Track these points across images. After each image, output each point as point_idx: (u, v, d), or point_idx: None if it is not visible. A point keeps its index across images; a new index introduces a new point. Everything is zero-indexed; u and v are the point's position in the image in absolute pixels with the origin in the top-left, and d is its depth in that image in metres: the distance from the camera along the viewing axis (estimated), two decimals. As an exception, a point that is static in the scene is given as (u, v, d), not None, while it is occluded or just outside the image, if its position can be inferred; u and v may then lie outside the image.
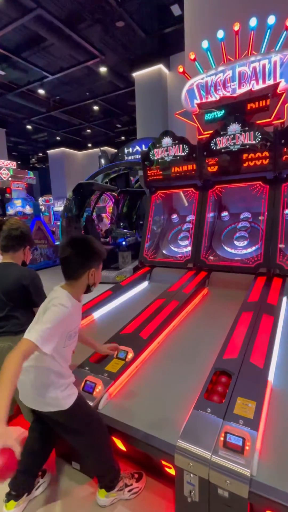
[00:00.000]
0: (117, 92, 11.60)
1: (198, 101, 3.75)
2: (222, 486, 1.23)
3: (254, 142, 2.90)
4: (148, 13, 7.47)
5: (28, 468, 1.59)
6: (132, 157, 9.61)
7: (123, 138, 17.08)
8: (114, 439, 1.70)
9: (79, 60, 9.27)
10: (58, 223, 8.43)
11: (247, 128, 2.92)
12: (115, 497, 1.58)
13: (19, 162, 17.41)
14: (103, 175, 9.54)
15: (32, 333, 1.22)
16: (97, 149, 14.50)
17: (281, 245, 2.87)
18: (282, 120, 3.22)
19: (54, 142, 17.68)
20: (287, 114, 3.23)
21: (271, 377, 1.71)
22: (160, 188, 3.80)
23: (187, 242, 3.63)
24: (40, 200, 16.01)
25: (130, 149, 9.80)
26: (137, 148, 9.53)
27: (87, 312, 2.70)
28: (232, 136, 3.00)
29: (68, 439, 1.54)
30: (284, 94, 3.18)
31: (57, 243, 8.59)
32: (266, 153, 2.87)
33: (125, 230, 8.54)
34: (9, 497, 1.56)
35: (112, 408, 1.70)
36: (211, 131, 3.23)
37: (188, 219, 3.87)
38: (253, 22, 3.32)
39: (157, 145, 3.53)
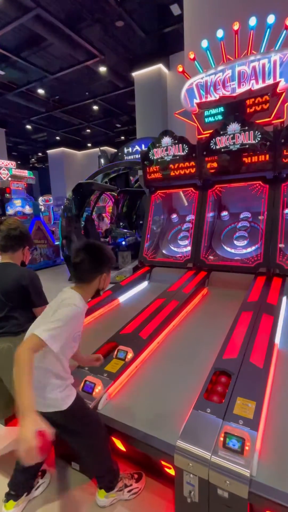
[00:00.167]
0: (117, 92, 11.60)
1: (198, 101, 3.74)
2: (221, 487, 1.23)
3: (253, 141, 2.90)
4: (148, 12, 7.47)
5: (26, 468, 1.59)
6: (132, 156, 9.62)
7: (122, 137, 17.09)
8: (114, 439, 1.70)
9: (79, 60, 9.26)
10: (58, 223, 8.42)
11: (246, 128, 2.92)
12: (114, 498, 1.58)
13: (18, 162, 17.40)
14: (103, 175, 9.55)
15: (42, 330, 1.22)
16: (97, 149, 14.49)
17: (281, 245, 2.87)
18: (281, 120, 3.22)
19: (54, 142, 17.68)
20: (286, 113, 3.23)
21: (271, 377, 1.70)
22: (159, 188, 3.80)
23: (186, 242, 3.63)
24: (40, 200, 16.01)
25: (130, 149, 9.80)
26: (137, 147, 9.53)
27: (87, 312, 2.70)
28: (232, 135, 3.00)
29: (67, 440, 1.54)
30: (283, 94, 3.18)
31: (56, 243, 8.59)
32: (265, 153, 2.87)
33: (125, 230, 8.54)
34: (8, 497, 1.56)
35: (111, 408, 1.70)
36: (211, 131, 3.23)
37: (187, 218, 3.86)
38: (252, 21, 3.32)
39: (157, 145, 3.53)
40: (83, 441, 1.48)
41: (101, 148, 12.81)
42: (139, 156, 3.82)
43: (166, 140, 3.45)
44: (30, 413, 1.07)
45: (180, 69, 3.91)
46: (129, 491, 1.60)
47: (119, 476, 1.61)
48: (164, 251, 3.76)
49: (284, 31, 3.19)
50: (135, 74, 9.66)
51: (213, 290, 3.09)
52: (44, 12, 6.98)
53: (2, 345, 1.76)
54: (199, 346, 2.18)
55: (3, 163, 11.09)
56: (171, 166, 3.48)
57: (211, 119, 3.68)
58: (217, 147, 3.12)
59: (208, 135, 3.28)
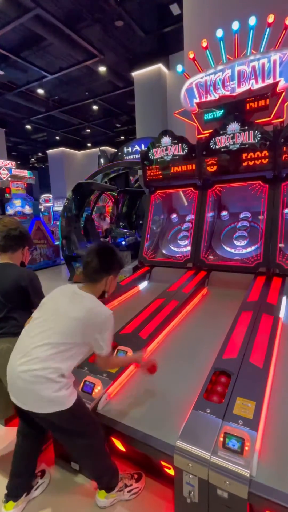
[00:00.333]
0: (117, 92, 11.59)
1: (198, 100, 3.74)
2: (221, 487, 1.23)
3: (253, 141, 2.90)
4: (148, 12, 7.46)
5: (22, 471, 1.58)
6: (132, 156, 9.60)
7: (122, 137, 17.07)
8: (114, 439, 1.70)
9: (78, 59, 9.25)
10: (58, 223, 8.42)
11: (246, 128, 2.92)
12: (114, 498, 1.58)
13: (18, 162, 17.36)
14: (103, 175, 9.54)
15: (106, 351, 1.49)
16: (97, 149, 14.46)
17: (281, 245, 2.86)
18: (281, 119, 3.21)
19: (54, 142, 17.67)
20: (286, 113, 3.22)
21: (270, 377, 1.70)
22: (159, 188, 3.79)
23: (186, 241, 3.62)
24: (41, 199, 16.00)
25: (130, 149, 9.79)
26: (137, 147, 9.52)
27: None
28: (232, 135, 2.99)
29: (65, 442, 1.52)
30: (283, 93, 3.17)
31: (56, 243, 8.59)
32: (265, 153, 2.86)
33: (125, 230, 8.53)
34: (8, 497, 1.56)
35: (111, 408, 1.70)
36: (210, 131, 3.23)
37: (187, 218, 3.86)
38: (252, 21, 3.31)
39: (157, 145, 3.53)
40: (83, 441, 1.47)
41: (101, 148, 12.79)
42: (139, 156, 3.81)
43: (166, 140, 3.45)
44: (139, 358, 1.72)
45: (180, 68, 3.90)
46: (129, 491, 1.60)
47: (119, 476, 1.60)
48: (164, 251, 3.75)
49: (284, 31, 3.19)
50: (135, 74, 9.65)
51: (213, 290, 3.09)
52: (44, 12, 6.97)
53: (1, 346, 1.76)
54: (199, 346, 2.17)
55: (3, 163, 11.06)
56: (171, 166, 3.47)
57: (210, 118, 3.68)
58: (217, 147, 3.11)
59: (207, 135, 3.28)
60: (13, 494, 1.56)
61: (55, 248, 8.63)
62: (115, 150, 11.87)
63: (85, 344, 1.45)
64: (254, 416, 1.39)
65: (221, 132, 3.06)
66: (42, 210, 15.60)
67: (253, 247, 3.15)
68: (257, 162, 2.93)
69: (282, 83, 3.15)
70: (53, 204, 16.66)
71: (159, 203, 3.90)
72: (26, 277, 1.86)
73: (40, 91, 11.42)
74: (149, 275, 3.58)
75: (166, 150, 3.46)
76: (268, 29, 3.25)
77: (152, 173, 3.65)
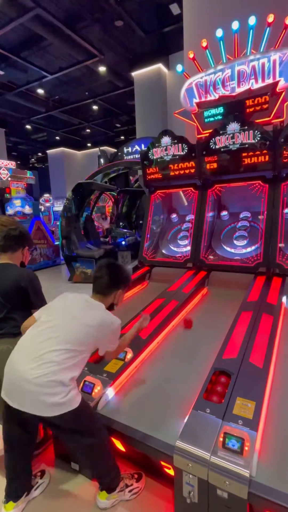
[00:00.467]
0: (117, 92, 11.59)
1: (197, 100, 3.73)
2: (221, 487, 1.23)
3: (253, 141, 2.90)
4: (147, 12, 7.46)
5: (18, 474, 1.57)
6: (132, 156, 9.61)
7: (122, 137, 17.07)
8: (113, 439, 1.69)
9: (78, 59, 9.25)
10: (58, 223, 8.42)
11: (246, 127, 2.92)
12: (116, 499, 1.57)
13: (18, 162, 17.35)
14: (103, 175, 9.55)
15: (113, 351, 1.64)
16: (97, 149, 14.46)
17: (281, 244, 2.86)
18: (281, 119, 3.21)
19: (54, 142, 17.67)
20: (286, 113, 3.22)
21: (270, 377, 1.70)
22: (159, 188, 3.79)
23: (186, 241, 3.62)
24: (40, 200, 16.00)
25: (130, 149, 9.79)
26: (137, 147, 9.52)
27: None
28: (231, 135, 2.99)
29: (70, 441, 1.51)
30: (283, 93, 3.17)
31: (56, 243, 8.59)
32: (265, 152, 2.86)
33: (125, 230, 8.54)
34: (8, 498, 1.56)
35: (111, 408, 1.70)
36: (210, 130, 3.23)
37: (187, 218, 3.86)
38: (252, 20, 3.31)
39: (156, 145, 3.52)
40: (88, 440, 1.45)
41: (101, 148, 12.79)
42: (139, 156, 3.81)
43: (166, 139, 3.45)
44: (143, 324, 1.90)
45: (180, 68, 3.90)
46: (130, 491, 1.60)
47: (120, 476, 1.60)
48: (163, 251, 3.75)
49: (284, 30, 3.18)
50: (135, 73, 9.65)
51: (213, 290, 3.08)
52: (44, 12, 6.97)
53: (1, 347, 1.75)
54: (198, 346, 2.17)
55: (3, 163, 11.05)
56: (171, 165, 3.47)
57: (210, 118, 3.68)
58: (217, 146, 3.11)
59: (207, 134, 3.28)
60: (13, 495, 1.56)
61: (55, 248, 8.63)
62: (115, 150, 11.87)
63: (94, 349, 1.51)
64: (254, 416, 1.39)
65: (221, 132, 3.06)
66: (42, 210, 15.60)
67: (253, 247, 3.15)
68: (257, 162, 2.93)
69: (282, 83, 3.15)
70: (53, 204, 16.65)
71: (159, 203, 3.90)
72: (26, 277, 1.85)
73: (40, 91, 11.42)
74: (149, 275, 3.58)
75: (166, 150, 3.46)
76: (268, 28, 3.25)
77: (152, 173, 3.65)
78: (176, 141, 3.40)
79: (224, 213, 3.57)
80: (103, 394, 1.73)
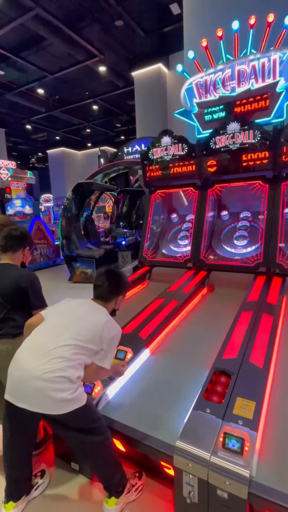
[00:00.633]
0: (117, 92, 11.59)
1: (198, 100, 3.74)
2: (221, 487, 1.23)
3: (253, 141, 2.89)
4: (148, 12, 7.46)
5: (18, 475, 1.57)
6: (132, 156, 9.60)
7: (122, 137, 17.07)
8: (114, 439, 1.69)
9: (78, 59, 9.25)
10: (58, 222, 8.42)
11: (246, 127, 2.91)
12: (124, 502, 1.55)
13: (18, 162, 17.36)
14: (103, 175, 9.54)
15: (108, 363, 1.52)
16: (97, 149, 14.45)
17: (281, 244, 2.86)
18: (281, 119, 3.21)
19: (54, 141, 17.67)
20: (286, 112, 3.22)
21: (270, 377, 1.70)
22: (159, 188, 3.79)
23: (186, 241, 3.62)
24: (41, 199, 16.00)
25: (130, 149, 9.79)
26: (137, 147, 9.52)
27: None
28: (232, 135, 2.99)
29: (76, 441, 1.47)
30: (283, 93, 3.17)
31: (56, 243, 8.58)
32: (265, 152, 2.86)
33: (125, 230, 8.54)
34: (8, 498, 1.56)
35: (111, 408, 1.70)
36: (211, 130, 3.22)
37: (187, 218, 3.86)
38: (252, 20, 3.30)
39: (156, 144, 3.52)
40: (93, 439, 1.44)
41: (101, 147, 12.79)
42: (139, 155, 3.81)
43: (166, 139, 3.44)
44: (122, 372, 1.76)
45: (180, 68, 3.90)
46: (135, 490, 1.60)
47: (126, 477, 1.60)
48: (164, 251, 3.75)
49: (284, 30, 3.18)
50: (135, 73, 9.65)
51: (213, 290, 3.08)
52: (44, 11, 6.97)
53: (1, 347, 1.75)
54: (198, 346, 2.17)
55: (3, 163, 11.07)
56: (171, 165, 3.47)
57: (210, 118, 3.68)
58: (217, 146, 3.11)
59: (207, 134, 3.28)
60: (13, 495, 1.56)
61: (55, 248, 8.63)
62: (115, 150, 11.86)
63: (95, 354, 1.49)
64: (254, 416, 1.39)
65: (221, 131, 3.05)
66: (43, 210, 15.60)
67: (253, 247, 3.15)
68: (257, 162, 2.92)
69: (282, 83, 3.15)
70: (53, 204, 16.66)
71: (159, 203, 3.90)
72: (26, 278, 1.85)
73: (40, 91, 11.43)
74: (149, 275, 3.58)
75: (166, 150, 3.46)
76: (268, 28, 3.24)
77: (152, 173, 3.65)
78: (176, 141, 3.39)
79: (224, 213, 3.56)
80: (103, 394, 1.73)
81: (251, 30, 3.32)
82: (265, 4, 3.72)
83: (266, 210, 3.00)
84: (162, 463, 1.50)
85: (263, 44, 3.29)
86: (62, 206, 7.08)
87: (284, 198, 2.95)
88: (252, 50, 3.35)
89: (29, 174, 11.71)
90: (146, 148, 3.67)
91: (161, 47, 8.98)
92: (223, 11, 4.22)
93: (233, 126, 2.97)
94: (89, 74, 10.28)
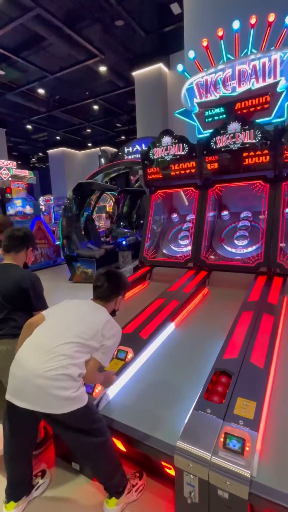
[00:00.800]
0: (117, 92, 11.59)
1: (198, 100, 3.74)
2: (222, 487, 1.22)
3: (254, 141, 2.89)
4: (148, 12, 7.46)
5: (19, 475, 1.57)
6: (132, 156, 9.60)
7: (123, 137, 17.06)
8: (114, 440, 1.69)
9: (79, 59, 9.25)
10: (59, 222, 8.43)
11: (247, 127, 2.91)
12: (124, 502, 1.55)
13: (19, 162, 17.35)
14: (103, 175, 9.54)
15: (106, 361, 1.51)
16: (97, 149, 14.48)
17: (282, 244, 2.86)
18: (282, 119, 3.21)
19: (54, 141, 17.67)
20: (287, 112, 3.21)
21: (271, 377, 1.70)
22: (160, 188, 3.79)
23: (187, 241, 3.62)
24: (41, 200, 16.01)
25: (130, 149, 9.78)
26: (137, 147, 9.51)
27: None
28: (232, 135, 2.99)
29: (78, 441, 1.47)
30: (284, 92, 3.17)
31: (57, 242, 8.59)
32: (266, 152, 2.86)
33: (126, 230, 8.54)
34: (9, 498, 1.56)
35: (111, 408, 1.70)
36: (211, 130, 3.22)
37: (188, 218, 3.86)
38: (253, 20, 3.30)
39: (157, 144, 3.52)
40: (93, 440, 1.44)
41: (102, 147, 12.82)
42: (140, 155, 3.81)
43: (166, 139, 3.44)
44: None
45: (180, 68, 3.89)
46: (136, 491, 1.60)
47: (127, 477, 1.60)
48: (164, 251, 3.75)
49: (285, 30, 3.18)
50: (135, 73, 9.65)
51: (213, 290, 3.08)
52: (44, 11, 6.97)
53: (1, 348, 1.75)
54: (199, 346, 2.17)
55: (3, 163, 11.07)
56: (171, 165, 3.46)
57: (211, 118, 3.67)
58: (218, 146, 3.10)
59: (208, 134, 3.27)
60: (14, 495, 1.56)
61: (55, 248, 8.63)
62: (116, 150, 11.87)
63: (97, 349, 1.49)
64: (254, 417, 1.39)
65: (221, 131, 3.05)
66: (43, 210, 15.60)
67: (254, 247, 3.15)
68: (258, 162, 2.92)
69: (283, 83, 3.15)
70: (54, 203, 16.66)
71: (159, 203, 3.90)
72: (27, 279, 1.85)
73: (41, 91, 11.43)
74: (150, 275, 3.57)
75: (166, 149, 3.46)
76: (268, 28, 3.24)
77: (152, 173, 3.65)
78: (176, 140, 3.39)
79: (225, 212, 3.56)
80: (104, 394, 1.73)
81: (252, 30, 3.32)
82: (266, 4, 3.71)
83: (266, 210, 3.00)
84: (163, 463, 1.50)
85: (264, 44, 3.29)
86: (63, 206, 7.08)
87: (284, 198, 2.95)
88: (253, 50, 3.35)
89: (29, 174, 11.71)
90: (146, 148, 3.67)
91: (161, 47, 8.98)
92: (223, 10, 4.22)
93: (234, 126, 2.97)
94: (89, 74, 10.28)
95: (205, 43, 3.65)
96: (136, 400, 1.74)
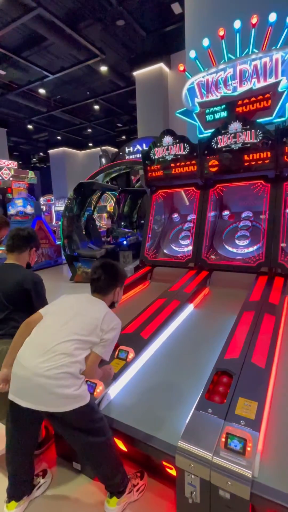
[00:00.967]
0: (118, 91, 11.59)
1: (199, 100, 3.73)
2: (223, 488, 1.22)
3: (255, 140, 2.88)
4: (149, 11, 7.45)
5: (20, 474, 1.57)
6: (133, 156, 9.60)
7: (124, 137, 17.06)
8: (115, 439, 1.69)
9: (80, 59, 9.26)
10: (60, 223, 8.44)
11: (248, 127, 2.90)
12: (125, 502, 1.55)
13: (20, 162, 17.41)
14: (104, 175, 9.55)
15: (106, 354, 1.50)
16: (98, 149, 14.47)
17: (283, 244, 2.85)
18: (283, 118, 3.20)
19: (55, 141, 17.68)
20: (288, 112, 3.21)
21: (272, 377, 1.69)
22: (161, 187, 3.79)
23: (188, 241, 3.62)
24: (41, 200, 16.04)
25: (131, 148, 9.78)
26: (138, 147, 9.51)
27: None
28: (233, 134, 2.98)
29: (77, 441, 1.47)
30: (285, 92, 3.17)
31: (58, 242, 8.60)
32: (267, 152, 2.85)
33: (126, 230, 8.55)
34: (10, 497, 1.56)
35: (112, 408, 1.70)
36: (212, 130, 3.22)
37: (189, 218, 3.85)
38: (254, 19, 3.30)
39: (158, 144, 3.52)
40: (95, 439, 1.44)
41: (102, 147, 12.81)
42: (140, 155, 3.81)
43: (167, 139, 3.44)
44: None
45: (181, 68, 3.89)
46: (137, 490, 1.60)
47: (128, 477, 1.60)
48: (165, 251, 3.75)
49: (286, 29, 3.17)
50: (136, 73, 9.64)
51: (214, 290, 3.08)
52: (45, 11, 6.98)
53: (1, 347, 1.75)
54: (200, 346, 2.17)
55: (4, 163, 11.09)
56: (172, 165, 3.46)
57: (212, 118, 3.67)
58: (219, 146, 3.10)
59: (209, 134, 3.27)
60: (15, 495, 1.56)
61: (56, 247, 8.64)
62: (117, 150, 11.87)
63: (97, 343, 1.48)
64: (256, 417, 1.39)
65: (222, 131, 3.05)
66: (44, 210, 15.62)
67: (255, 247, 3.14)
68: (259, 162, 2.91)
69: (284, 82, 3.14)
70: (54, 204, 16.68)
71: (160, 203, 3.90)
72: (30, 280, 1.85)
73: (42, 91, 11.43)
74: (151, 275, 3.57)
75: (167, 149, 3.45)
76: (269, 27, 3.24)
77: (153, 173, 3.65)
78: (177, 140, 3.38)
79: (226, 212, 3.56)
80: (105, 394, 1.73)
81: (253, 30, 3.32)
82: (267, 4, 3.71)
83: (268, 209, 2.99)
84: (164, 463, 1.50)
85: (265, 44, 3.28)
86: (64, 206, 7.08)
87: (286, 198, 2.94)
88: (254, 50, 3.34)
89: (30, 174, 11.73)
90: (147, 148, 3.66)
91: (162, 47, 8.97)
92: (224, 10, 4.22)
93: (235, 126, 2.96)
94: (90, 74, 10.28)
95: (206, 43, 3.65)
96: (137, 400, 1.74)
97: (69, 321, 1.47)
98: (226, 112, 3.55)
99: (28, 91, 11.42)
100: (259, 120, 3.12)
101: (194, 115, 3.79)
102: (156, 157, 3.56)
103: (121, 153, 10.18)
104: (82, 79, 10.73)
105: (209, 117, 3.69)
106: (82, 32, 7.99)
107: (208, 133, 3.59)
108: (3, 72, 9.86)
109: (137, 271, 3.59)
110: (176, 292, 2.77)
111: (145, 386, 1.85)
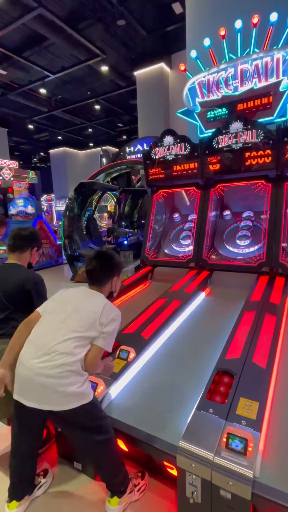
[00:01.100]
0: (119, 91, 11.58)
1: (200, 100, 3.73)
2: (224, 488, 1.22)
3: (256, 140, 2.88)
4: (150, 11, 7.45)
5: (22, 474, 1.57)
6: (134, 156, 9.60)
7: (124, 137, 17.06)
8: (116, 439, 1.69)
9: (81, 59, 9.25)
10: (60, 222, 8.44)
11: (249, 127, 2.90)
12: (126, 501, 1.55)
13: (21, 162, 17.42)
14: (105, 174, 9.55)
15: (107, 345, 1.48)
16: (99, 149, 14.49)
17: (284, 244, 2.85)
18: (284, 118, 3.20)
19: (56, 141, 17.69)
20: (289, 112, 3.21)
21: (274, 377, 1.69)
22: (161, 187, 3.78)
23: (189, 241, 3.61)
24: (42, 200, 16.04)
25: (132, 148, 9.79)
26: (139, 147, 9.52)
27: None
28: (234, 134, 2.98)
29: (80, 439, 1.48)
30: (286, 92, 3.16)
31: (59, 242, 8.60)
32: (268, 152, 2.84)
33: (127, 230, 8.55)
34: (11, 497, 1.56)
35: (113, 408, 1.70)
36: (213, 130, 3.21)
37: (190, 218, 3.85)
38: (255, 19, 3.29)
39: (159, 144, 3.51)
40: (98, 438, 1.44)
41: (103, 147, 12.82)
42: (141, 155, 3.80)
43: (168, 139, 3.43)
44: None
45: (182, 67, 3.89)
46: (138, 490, 1.60)
47: (129, 477, 1.60)
48: (166, 251, 3.75)
49: None
50: (137, 73, 9.64)
51: (215, 290, 3.07)
52: (46, 11, 6.98)
53: (1, 347, 1.75)
54: (201, 346, 2.17)
55: (5, 163, 11.11)
56: (173, 165, 3.46)
57: (213, 118, 3.67)
58: (220, 146, 3.10)
59: (210, 134, 3.27)
60: (16, 494, 1.56)
61: (57, 247, 8.64)
62: (117, 150, 11.87)
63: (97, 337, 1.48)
64: (257, 417, 1.38)
65: (223, 131, 3.04)
66: (45, 209, 15.62)
67: (256, 247, 3.14)
68: (260, 161, 2.91)
69: (285, 82, 3.14)
70: (55, 203, 16.69)
71: (161, 203, 3.90)
72: (31, 280, 1.85)
73: (43, 90, 11.44)
74: (151, 275, 3.57)
75: (168, 149, 3.45)
76: (271, 27, 3.23)
77: (154, 173, 3.64)
78: (178, 140, 3.38)
79: (227, 212, 3.55)
80: (106, 393, 1.73)
81: (254, 29, 3.31)
82: (268, 3, 3.70)
83: (269, 209, 2.98)
84: (165, 463, 1.50)
85: (266, 43, 3.28)
86: (65, 206, 7.09)
87: (287, 198, 2.93)
88: (255, 49, 3.34)
89: (31, 173, 11.74)
90: (148, 148, 3.66)
91: (163, 47, 8.97)
92: (225, 10, 4.21)
93: (236, 126, 2.96)
94: (91, 73, 10.28)
95: (207, 43, 3.65)
96: (138, 400, 1.74)
97: (67, 319, 1.46)
98: (227, 112, 3.54)
99: (29, 91, 11.42)
100: (260, 120, 3.12)
101: (195, 115, 3.79)
102: (157, 157, 3.56)
103: (121, 153, 10.18)
104: (82, 79, 10.73)
105: (210, 117, 3.70)
106: (82, 32, 7.99)
107: (209, 133, 3.59)
108: (4, 72, 9.86)
109: (138, 271, 3.59)
110: (177, 292, 2.77)
111: (146, 386, 1.85)
